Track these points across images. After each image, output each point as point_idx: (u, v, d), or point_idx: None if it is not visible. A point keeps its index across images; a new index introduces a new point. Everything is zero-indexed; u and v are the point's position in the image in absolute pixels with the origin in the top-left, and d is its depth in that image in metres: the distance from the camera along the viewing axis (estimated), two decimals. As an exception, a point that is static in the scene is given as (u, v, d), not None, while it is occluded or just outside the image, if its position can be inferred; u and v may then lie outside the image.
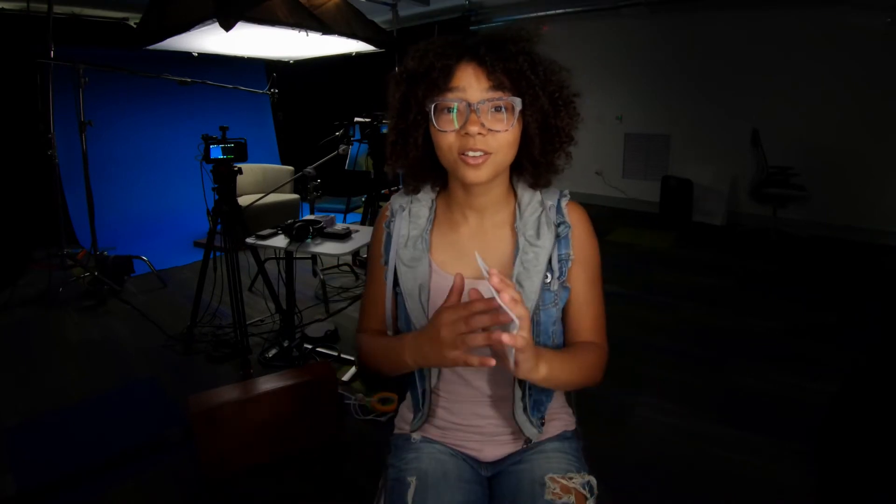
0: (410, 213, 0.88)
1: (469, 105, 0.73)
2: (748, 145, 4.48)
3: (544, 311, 0.83)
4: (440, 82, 0.73)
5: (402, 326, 0.90)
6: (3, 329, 2.85)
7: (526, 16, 5.52)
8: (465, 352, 0.65)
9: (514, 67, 0.73)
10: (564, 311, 0.87)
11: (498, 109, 0.74)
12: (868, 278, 3.53)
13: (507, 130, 0.74)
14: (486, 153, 0.74)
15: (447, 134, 0.75)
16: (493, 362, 0.64)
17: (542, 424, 0.89)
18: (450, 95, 0.73)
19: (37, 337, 2.76)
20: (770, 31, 4.55)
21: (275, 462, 1.75)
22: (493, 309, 0.64)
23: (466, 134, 0.73)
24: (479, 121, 0.73)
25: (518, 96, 0.74)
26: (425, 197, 0.89)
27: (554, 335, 0.86)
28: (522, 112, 0.76)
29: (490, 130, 0.74)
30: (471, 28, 5.77)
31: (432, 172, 0.85)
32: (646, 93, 5.41)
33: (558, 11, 5.28)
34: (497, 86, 0.73)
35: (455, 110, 0.74)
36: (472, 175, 0.76)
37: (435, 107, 0.75)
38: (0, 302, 3.11)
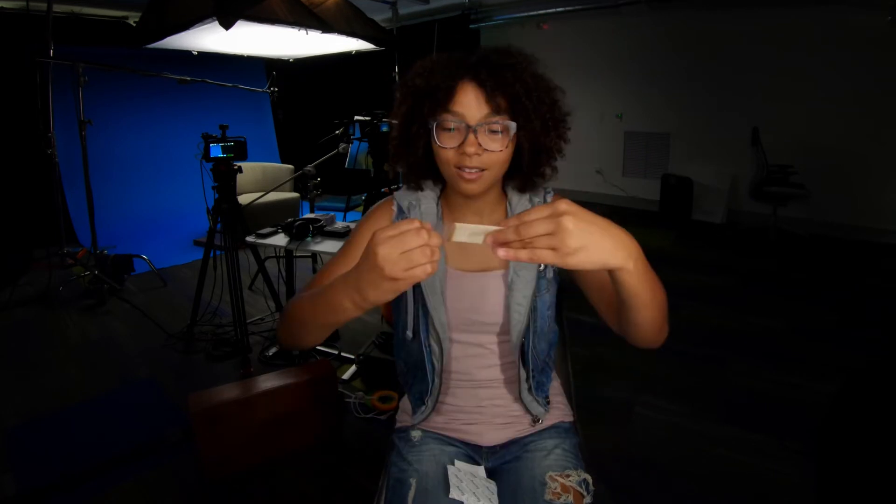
0: (420, 210, 0.91)
1: (468, 127, 0.77)
2: (748, 144, 4.48)
3: (540, 299, 0.89)
4: (443, 102, 0.78)
5: (403, 321, 0.91)
6: (3, 329, 2.84)
7: (526, 14, 5.52)
8: (406, 270, 0.57)
9: (511, 93, 0.78)
10: (591, 284, 0.83)
11: (494, 131, 0.78)
12: (868, 278, 3.52)
13: (501, 151, 0.79)
14: (481, 170, 0.79)
15: (447, 150, 0.79)
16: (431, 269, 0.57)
17: (548, 404, 0.97)
18: (450, 117, 0.78)
19: (37, 337, 2.76)
20: (770, 31, 4.54)
21: (275, 460, 1.75)
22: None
23: (464, 153, 0.78)
24: (476, 141, 0.77)
25: (513, 120, 0.79)
26: (431, 195, 0.92)
27: (549, 319, 0.93)
28: (516, 133, 0.80)
29: (486, 150, 0.78)
30: (471, 27, 5.76)
31: (432, 172, 0.89)
32: (646, 91, 5.40)
33: (558, 10, 5.27)
34: (495, 110, 0.77)
35: (454, 129, 0.78)
36: (468, 188, 0.81)
37: (436, 124, 0.79)
38: (0, 301, 3.11)
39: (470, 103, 0.77)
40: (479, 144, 0.77)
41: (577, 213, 0.53)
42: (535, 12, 5.42)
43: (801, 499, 1.55)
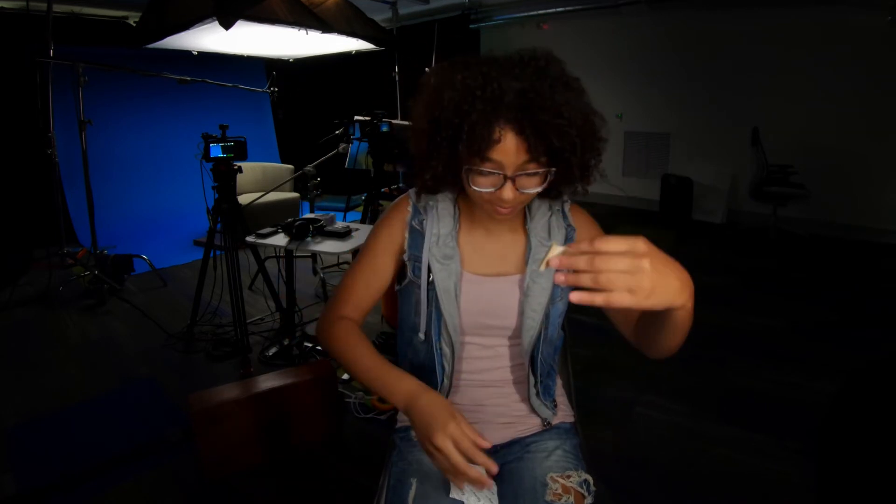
0: (437, 210, 0.89)
1: (506, 177, 0.74)
2: (748, 144, 4.48)
3: (553, 307, 0.88)
4: (480, 148, 0.72)
5: (412, 321, 0.92)
6: (3, 329, 2.84)
7: (526, 14, 5.52)
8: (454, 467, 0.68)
9: (554, 144, 0.72)
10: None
11: (532, 174, 0.76)
12: (868, 278, 3.52)
13: (536, 189, 0.77)
14: (515, 206, 0.78)
15: (481, 191, 0.76)
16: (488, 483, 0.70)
17: (556, 406, 0.97)
18: (488, 165, 0.73)
19: (37, 337, 2.76)
20: (770, 31, 4.54)
21: (275, 461, 1.75)
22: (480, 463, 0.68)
23: (501, 198, 0.75)
24: (514, 188, 0.75)
25: (553, 166, 0.76)
26: (448, 195, 0.91)
27: (559, 326, 0.94)
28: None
29: (523, 192, 0.76)
30: (471, 27, 5.76)
31: (452, 183, 0.85)
32: (646, 91, 5.40)
33: (558, 10, 5.28)
34: (534, 158, 0.73)
35: (489, 174, 0.75)
36: (500, 219, 0.82)
37: (470, 168, 0.75)
38: (0, 301, 3.11)
39: (508, 152, 0.72)
40: (517, 189, 0.75)
41: (654, 254, 0.52)
42: (535, 12, 5.42)
43: (801, 499, 1.55)
